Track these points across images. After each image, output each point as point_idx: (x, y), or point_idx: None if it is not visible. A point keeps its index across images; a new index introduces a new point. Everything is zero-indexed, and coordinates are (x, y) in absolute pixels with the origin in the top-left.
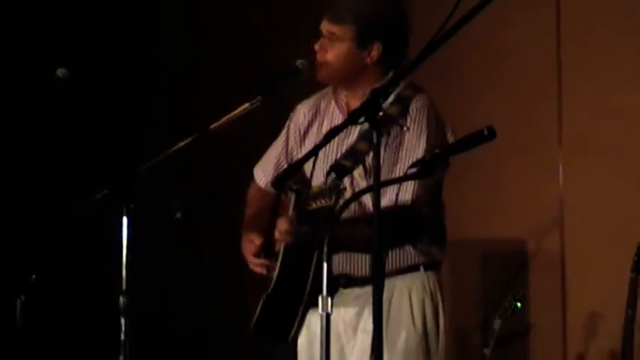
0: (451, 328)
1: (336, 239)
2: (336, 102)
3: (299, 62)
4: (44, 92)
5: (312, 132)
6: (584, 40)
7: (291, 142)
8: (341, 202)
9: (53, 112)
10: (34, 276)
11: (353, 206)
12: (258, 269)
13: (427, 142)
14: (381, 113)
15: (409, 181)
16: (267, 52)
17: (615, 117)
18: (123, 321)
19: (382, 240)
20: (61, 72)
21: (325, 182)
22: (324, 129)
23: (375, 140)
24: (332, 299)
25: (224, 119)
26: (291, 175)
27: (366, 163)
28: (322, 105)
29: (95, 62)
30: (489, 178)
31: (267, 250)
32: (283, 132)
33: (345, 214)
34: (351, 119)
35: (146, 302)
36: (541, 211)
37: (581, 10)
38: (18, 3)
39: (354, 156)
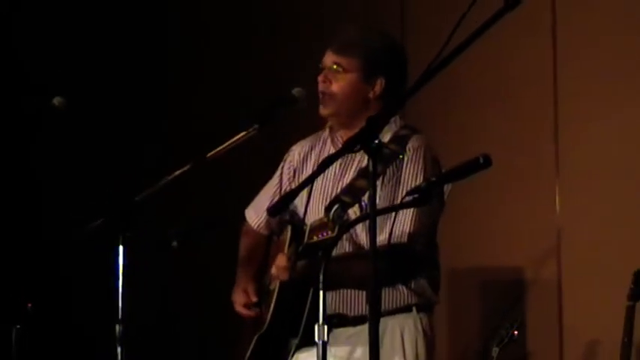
0: (450, 357)
1: (331, 275)
2: (332, 142)
3: (296, 90)
4: (41, 118)
5: (307, 172)
6: (580, 68)
7: (285, 183)
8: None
9: (50, 138)
10: (30, 305)
11: (347, 243)
12: (247, 316)
13: (425, 180)
14: (376, 141)
15: (405, 218)
16: (268, 75)
17: (612, 144)
18: (119, 350)
19: (378, 275)
20: (57, 101)
21: (326, 216)
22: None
23: (370, 168)
24: (329, 330)
25: (220, 147)
26: (288, 202)
27: (363, 202)
28: (318, 145)
29: (94, 88)
30: (486, 207)
31: (259, 297)
32: (277, 173)
33: (340, 251)
34: (346, 147)
35: (143, 331)
36: (538, 239)
37: (578, 37)
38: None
39: (352, 193)
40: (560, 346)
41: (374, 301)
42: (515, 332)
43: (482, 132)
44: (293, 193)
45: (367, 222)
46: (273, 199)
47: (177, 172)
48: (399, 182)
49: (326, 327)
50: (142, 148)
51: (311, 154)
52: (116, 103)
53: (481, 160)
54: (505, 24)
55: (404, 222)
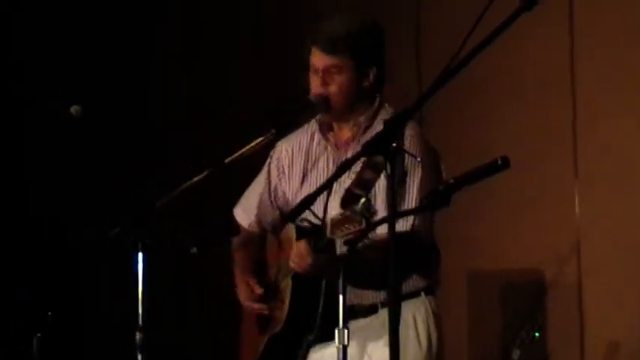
0: (471, 359)
1: (357, 272)
2: (323, 135)
3: (312, 97)
4: (56, 125)
5: (297, 167)
6: (598, 68)
7: (274, 180)
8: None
9: (69, 144)
10: (50, 313)
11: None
12: (257, 311)
13: (423, 170)
14: (394, 144)
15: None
16: (280, 77)
17: (631, 144)
18: (139, 357)
19: (395, 268)
20: (74, 109)
21: (349, 209)
22: (310, 162)
23: (389, 171)
24: (349, 331)
25: (238, 153)
26: (307, 206)
27: (370, 194)
28: (305, 140)
29: (107, 94)
30: (506, 210)
31: (265, 287)
32: (264, 170)
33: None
34: (365, 151)
35: (162, 337)
36: (558, 241)
37: (596, 36)
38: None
39: (363, 185)
40: (581, 347)
41: (395, 294)
42: (536, 334)
43: (500, 133)
44: (309, 200)
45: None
46: (262, 197)
47: (196, 179)
48: (404, 176)
49: (347, 331)
50: (163, 154)
51: (300, 150)
52: (137, 109)
53: (499, 162)
54: (522, 23)
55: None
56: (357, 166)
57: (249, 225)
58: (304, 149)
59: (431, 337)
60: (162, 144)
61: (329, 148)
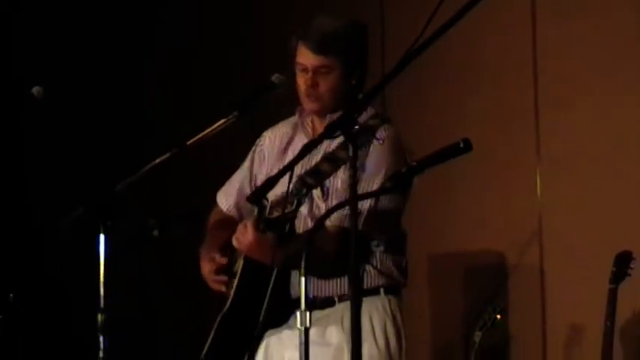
0: (433, 341)
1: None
2: (302, 127)
3: (275, 77)
4: (22, 108)
5: (272, 155)
6: (560, 54)
7: (256, 168)
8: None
9: (32, 127)
10: (11, 295)
11: (308, 218)
12: (217, 286)
13: (388, 168)
14: (356, 127)
15: (363, 204)
16: (249, 60)
17: (592, 130)
18: (101, 339)
19: (341, 257)
20: (36, 90)
21: (287, 191)
22: (288, 151)
23: (351, 153)
24: (310, 315)
25: (200, 135)
26: (267, 190)
27: (325, 186)
28: (287, 130)
29: (74, 77)
30: (468, 192)
31: (227, 271)
32: (248, 157)
33: (301, 225)
34: (327, 132)
35: (124, 320)
36: (520, 224)
37: (558, 21)
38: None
39: (316, 175)
40: (543, 330)
41: (355, 285)
42: (498, 317)
43: (462, 118)
44: (271, 181)
45: (327, 201)
46: (242, 183)
47: (158, 160)
48: (363, 168)
49: (308, 313)
50: (124, 136)
51: (281, 138)
52: (97, 92)
53: (461, 145)
54: (485, 6)
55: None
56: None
57: (228, 209)
58: (285, 138)
59: (388, 335)
60: (125, 125)
61: (304, 136)
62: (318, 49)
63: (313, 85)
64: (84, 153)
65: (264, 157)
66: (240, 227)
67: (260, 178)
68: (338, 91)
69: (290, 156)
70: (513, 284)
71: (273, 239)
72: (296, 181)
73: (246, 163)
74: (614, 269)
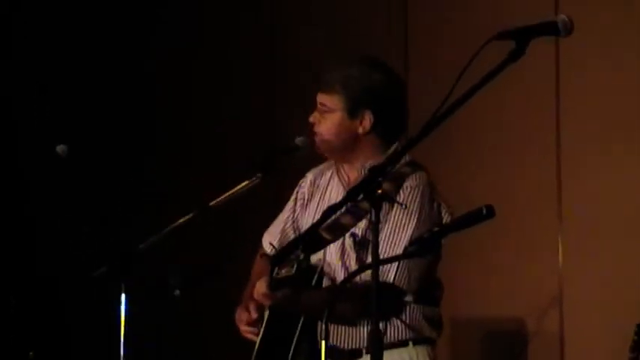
0: None
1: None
2: (338, 173)
3: (298, 140)
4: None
5: (313, 201)
6: (583, 118)
7: (298, 209)
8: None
9: (52, 182)
10: (31, 353)
11: (341, 270)
12: (249, 336)
13: (417, 222)
14: (379, 191)
15: (391, 266)
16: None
17: (615, 194)
18: None
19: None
20: (60, 149)
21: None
22: (325, 200)
23: (373, 218)
24: None
25: (223, 196)
26: (289, 253)
27: (357, 236)
28: (327, 175)
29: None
30: (489, 257)
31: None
32: (292, 198)
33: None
34: (349, 196)
35: None
36: (540, 290)
37: (582, 84)
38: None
39: (334, 230)
40: None
41: (375, 344)
42: None
43: (484, 182)
44: (294, 243)
45: (341, 251)
46: (285, 225)
47: (181, 221)
48: (389, 222)
49: None
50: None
51: (321, 184)
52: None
53: (484, 211)
54: (508, 71)
55: (388, 270)
56: None
57: (271, 251)
58: (324, 184)
59: None
60: (150, 185)
61: (341, 187)
62: (322, 88)
63: (314, 121)
64: (102, 210)
65: (304, 199)
66: (258, 283)
67: (302, 221)
68: (338, 132)
69: (326, 203)
70: (533, 351)
71: (285, 296)
72: (316, 241)
73: (290, 204)
74: (635, 338)
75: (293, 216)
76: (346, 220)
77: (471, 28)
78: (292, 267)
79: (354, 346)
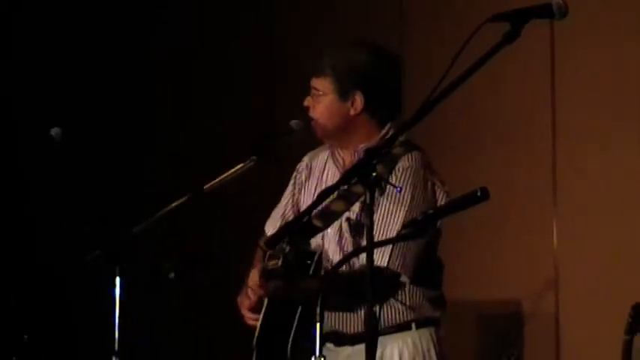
0: None
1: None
2: (332, 156)
3: (293, 122)
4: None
5: (311, 184)
6: (578, 103)
7: (296, 193)
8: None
9: (47, 166)
10: (26, 336)
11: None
12: (252, 322)
13: (410, 204)
14: (374, 174)
15: (384, 249)
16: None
17: (609, 177)
18: None
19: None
20: (54, 132)
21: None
22: (322, 182)
23: (367, 201)
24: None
25: (218, 179)
26: (284, 236)
27: (352, 220)
28: (324, 157)
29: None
30: (484, 240)
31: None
32: (290, 183)
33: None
34: (343, 180)
35: None
36: (536, 272)
37: (577, 71)
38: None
39: (325, 217)
40: None
41: (371, 328)
42: None
43: (479, 165)
44: (288, 227)
45: (339, 235)
46: (285, 209)
47: (175, 204)
48: (381, 205)
49: (323, 359)
50: (141, 177)
51: (317, 167)
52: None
53: (479, 194)
54: (503, 52)
55: (383, 253)
56: None
57: None
58: (320, 167)
59: None
60: (144, 165)
61: (336, 171)
62: (314, 71)
63: (309, 106)
64: (96, 194)
65: (302, 183)
66: (251, 273)
67: (302, 205)
68: (330, 115)
69: (323, 186)
70: (528, 333)
71: (277, 287)
72: (308, 229)
73: (289, 188)
74: (629, 320)
75: (292, 200)
76: (337, 206)
77: (468, 9)
78: (279, 259)
79: (356, 331)
